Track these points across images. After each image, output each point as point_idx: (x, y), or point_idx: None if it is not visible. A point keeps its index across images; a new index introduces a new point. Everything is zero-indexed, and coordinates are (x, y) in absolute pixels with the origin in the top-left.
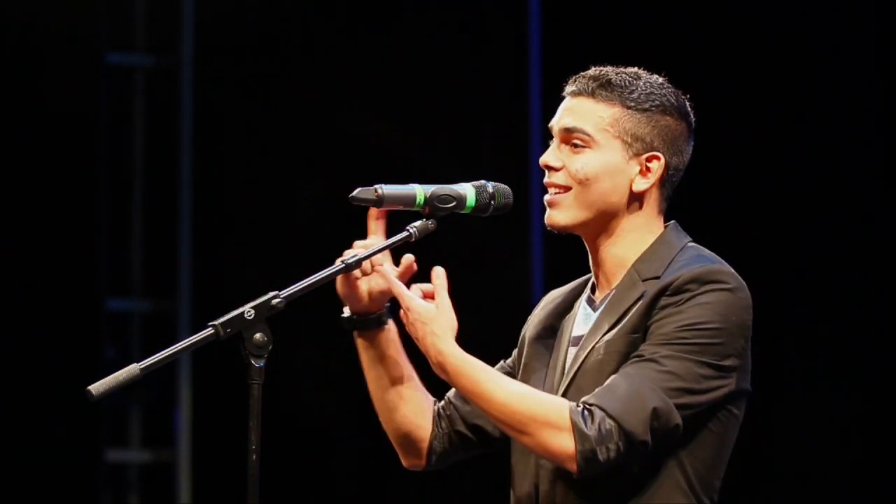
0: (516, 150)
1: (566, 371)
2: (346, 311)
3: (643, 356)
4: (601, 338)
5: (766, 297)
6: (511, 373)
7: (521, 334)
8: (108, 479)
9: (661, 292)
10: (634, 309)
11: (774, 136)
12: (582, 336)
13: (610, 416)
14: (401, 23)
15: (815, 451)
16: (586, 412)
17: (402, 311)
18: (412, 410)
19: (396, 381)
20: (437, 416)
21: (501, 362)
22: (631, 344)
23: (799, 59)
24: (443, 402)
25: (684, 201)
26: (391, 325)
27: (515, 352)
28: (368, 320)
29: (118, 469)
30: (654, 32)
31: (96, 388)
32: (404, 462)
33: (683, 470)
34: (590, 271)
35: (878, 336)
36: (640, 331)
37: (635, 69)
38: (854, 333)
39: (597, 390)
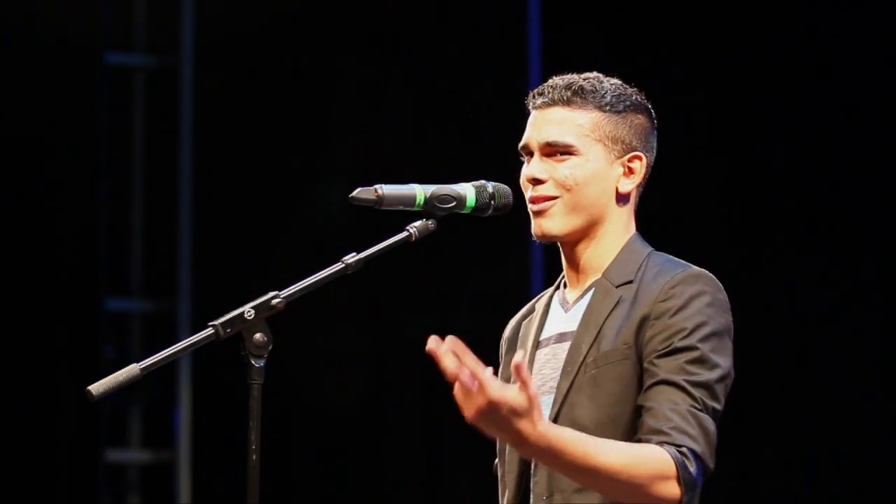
0: (516, 149)
1: (533, 374)
2: None
3: (676, 383)
4: (587, 353)
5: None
6: None
7: (500, 351)
8: (108, 479)
9: (650, 301)
10: (612, 314)
11: (770, 133)
12: (549, 338)
13: (698, 457)
14: (401, 22)
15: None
16: (684, 458)
17: (481, 408)
18: None
19: None
20: None
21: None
22: (623, 354)
23: (797, 56)
24: None
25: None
26: None
27: (500, 370)
28: None
29: (118, 469)
30: (653, 32)
31: (96, 388)
32: None
33: None
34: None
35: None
36: (632, 341)
37: (594, 73)
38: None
39: (669, 427)
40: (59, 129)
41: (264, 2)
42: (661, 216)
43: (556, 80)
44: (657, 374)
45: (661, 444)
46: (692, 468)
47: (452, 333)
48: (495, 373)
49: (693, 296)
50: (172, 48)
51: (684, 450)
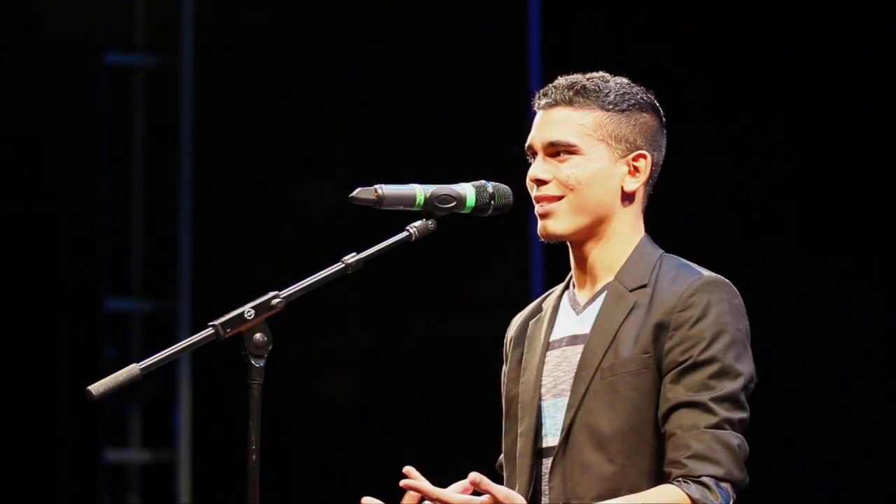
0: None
1: (543, 375)
2: None
3: (697, 403)
4: (602, 358)
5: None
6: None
7: (504, 351)
8: (108, 479)
9: (668, 309)
10: (627, 320)
11: (769, 133)
12: (560, 340)
13: (721, 479)
14: (401, 23)
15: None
16: (705, 489)
17: None
18: None
19: None
20: None
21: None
22: (643, 363)
23: (799, 55)
24: None
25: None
26: None
27: (505, 367)
28: None
29: (118, 469)
30: (654, 32)
31: (96, 388)
32: None
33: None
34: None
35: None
36: (651, 350)
37: (601, 72)
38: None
39: (687, 457)
40: (59, 129)
41: (264, 2)
42: (662, 216)
43: (560, 81)
44: (679, 395)
45: (679, 478)
46: (714, 497)
47: (452, 334)
48: (499, 371)
49: (710, 304)
50: (172, 48)
51: (704, 479)
